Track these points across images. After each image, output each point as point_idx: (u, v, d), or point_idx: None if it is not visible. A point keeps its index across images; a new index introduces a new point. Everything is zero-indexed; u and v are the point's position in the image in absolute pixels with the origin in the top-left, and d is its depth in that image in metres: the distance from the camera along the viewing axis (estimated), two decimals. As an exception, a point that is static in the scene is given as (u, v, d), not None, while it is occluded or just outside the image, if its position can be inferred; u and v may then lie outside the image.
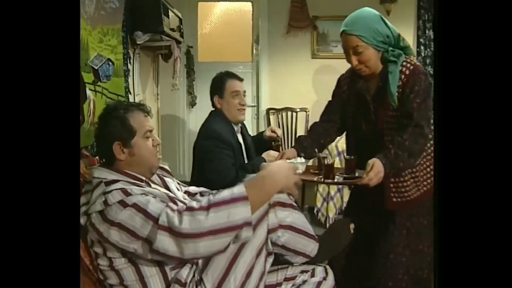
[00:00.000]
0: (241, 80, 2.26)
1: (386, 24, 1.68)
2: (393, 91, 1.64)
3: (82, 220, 1.32)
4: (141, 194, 1.30)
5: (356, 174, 1.67)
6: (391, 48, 1.67)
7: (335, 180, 1.67)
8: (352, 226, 1.54)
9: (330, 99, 1.93)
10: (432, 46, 3.81)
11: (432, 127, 1.65)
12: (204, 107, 4.05)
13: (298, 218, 1.34)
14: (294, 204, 1.38)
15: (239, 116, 2.22)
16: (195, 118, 4.13)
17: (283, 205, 1.31)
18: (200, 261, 1.31)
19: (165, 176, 1.64)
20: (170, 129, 3.99)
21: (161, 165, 1.63)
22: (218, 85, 2.22)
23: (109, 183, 1.34)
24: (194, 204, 1.23)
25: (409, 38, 3.76)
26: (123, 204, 1.26)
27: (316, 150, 1.81)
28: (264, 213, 1.28)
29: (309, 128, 1.96)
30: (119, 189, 1.30)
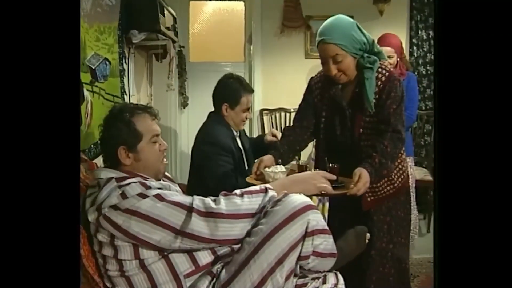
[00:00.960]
0: (252, 93, 2.20)
1: (361, 30, 1.69)
2: (371, 98, 1.67)
3: (91, 217, 1.26)
4: (159, 188, 1.28)
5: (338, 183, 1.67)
6: (366, 55, 1.69)
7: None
8: (368, 235, 1.51)
9: (302, 100, 1.91)
10: (425, 46, 3.83)
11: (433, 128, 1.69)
12: (196, 108, 4.01)
13: (330, 243, 1.29)
14: (328, 228, 1.34)
15: (241, 126, 2.19)
16: (187, 119, 4.07)
17: (320, 232, 1.26)
18: (222, 275, 1.25)
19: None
20: (162, 130, 3.90)
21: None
22: (232, 96, 2.10)
23: (121, 179, 1.30)
24: (227, 193, 1.28)
25: (402, 38, 3.75)
26: (143, 196, 1.23)
27: (297, 158, 1.86)
28: (299, 239, 1.22)
29: (282, 133, 1.94)
30: (138, 182, 1.27)
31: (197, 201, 1.23)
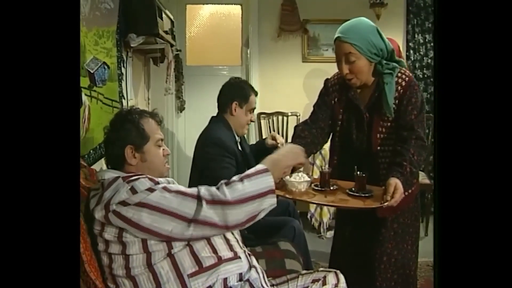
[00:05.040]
0: (256, 95, 2.28)
1: (381, 37, 1.69)
2: (391, 103, 1.67)
3: (99, 215, 1.27)
4: (167, 184, 1.33)
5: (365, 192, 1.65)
6: (385, 62, 1.69)
7: (350, 204, 1.62)
8: None
9: (317, 101, 1.89)
10: (421, 50, 3.86)
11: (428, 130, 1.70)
12: (192, 112, 4.00)
13: None
14: None
15: (244, 129, 2.23)
16: (184, 123, 4.05)
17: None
18: None
19: None
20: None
21: None
22: (243, 95, 2.17)
23: (127, 177, 1.31)
24: (227, 181, 1.31)
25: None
26: (152, 190, 1.26)
27: (325, 167, 1.79)
28: None
29: (297, 132, 1.87)
30: (146, 177, 1.30)
31: (203, 191, 1.27)
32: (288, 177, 1.65)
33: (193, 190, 1.28)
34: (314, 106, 1.89)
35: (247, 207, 1.26)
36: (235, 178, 1.31)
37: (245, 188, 1.27)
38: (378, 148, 1.73)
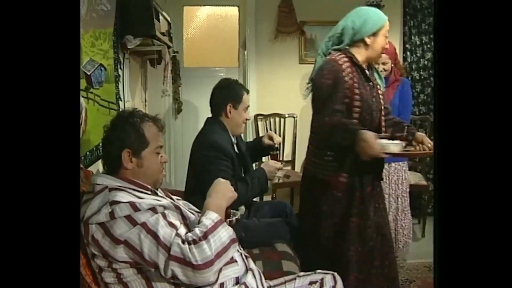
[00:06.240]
0: (248, 93, 2.26)
1: None
2: (382, 77, 2.11)
3: (82, 231, 1.26)
4: (150, 209, 1.26)
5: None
6: None
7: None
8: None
9: (330, 86, 1.87)
10: (418, 52, 3.86)
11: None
12: (190, 114, 3.99)
13: None
14: None
15: (242, 128, 2.21)
16: (181, 125, 4.05)
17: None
18: None
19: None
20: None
21: None
22: (236, 96, 2.16)
23: (114, 189, 1.29)
24: (193, 236, 1.23)
25: (395, 44, 3.78)
26: (131, 220, 1.23)
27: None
28: None
29: (346, 123, 1.86)
30: (128, 202, 1.25)
31: (175, 247, 1.20)
32: (384, 140, 1.84)
33: (167, 239, 1.21)
34: (327, 101, 1.86)
35: (215, 266, 1.21)
36: (197, 232, 1.23)
37: (212, 248, 1.21)
38: (384, 118, 2.05)
